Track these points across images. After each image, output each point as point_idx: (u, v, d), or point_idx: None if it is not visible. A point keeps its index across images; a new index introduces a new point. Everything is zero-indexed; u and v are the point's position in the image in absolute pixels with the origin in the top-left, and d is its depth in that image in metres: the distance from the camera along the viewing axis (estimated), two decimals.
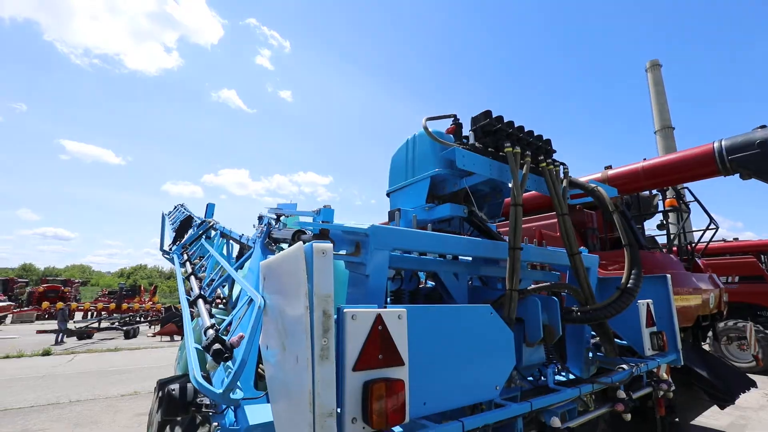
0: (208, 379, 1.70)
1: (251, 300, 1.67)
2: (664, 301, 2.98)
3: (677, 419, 5.44)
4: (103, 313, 22.27)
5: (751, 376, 5.96)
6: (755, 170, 4.87)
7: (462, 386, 1.54)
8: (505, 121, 2.50)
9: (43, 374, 9.80)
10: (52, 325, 18.90)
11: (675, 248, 7.39)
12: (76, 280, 40.57)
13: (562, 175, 2.66)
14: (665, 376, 2.66)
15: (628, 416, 2.14)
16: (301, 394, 1.07)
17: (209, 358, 1.63)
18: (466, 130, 2.54)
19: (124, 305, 23.38)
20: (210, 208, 5.93)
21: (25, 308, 26.60)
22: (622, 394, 2.16)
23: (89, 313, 23.66)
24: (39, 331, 17.58)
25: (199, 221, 5.61)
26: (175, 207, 8.30)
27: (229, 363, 1.61)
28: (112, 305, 23.59)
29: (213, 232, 4.85)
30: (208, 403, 1.66)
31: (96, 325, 18.38)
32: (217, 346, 1.58)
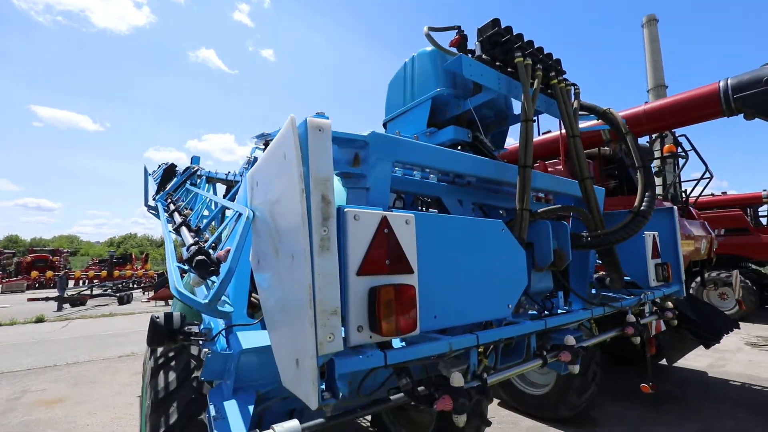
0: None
1: (239, 215, 1.50)
2: (670, 233, 2.91)
3: (664, 360, 5.64)
4: (94, 281, 22.14)
5: None
6: (760, 109, 4.72)
7: (474, 302, 1.43)
8: (515, 33, 2.26)
9: (37, 340, 9.74)
10: (43, 293, 18.76)
11: (670, 198, 7.38)
12: (65, 250, 40.08)
13: (573, 97, 2.46)
14: (671, 304, 2.63)
15: (638, 339, 2.10)
16: (299, 293, 0.92)
17: (193, 275, 1.48)
18: (472, 44, 2.29)
19: (116, 273, 23.26)
20: (195, 160, 5.66)
21: (14, 278, 26.34)
22: (631, 318, 2.11)
23: (81, 281, 23.53)
24: (30, 299, 17.45)
25: (183, 168, 5.36)
26: (159, 166, 7.98)
27: (216, 280, 1.47)
28: (104, 273, 23.45)
29: (198, 180, 4.61)
30: (198, 331, 1.54)
31: (88, 292, 18.27)
32: (201, 257, 1.43)
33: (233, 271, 1.31)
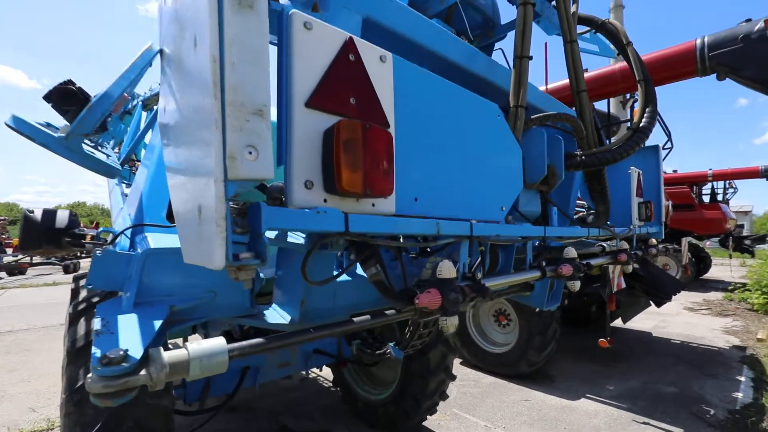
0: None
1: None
2: (654, 172, 2.77)
3: (620, 320, 5.83)
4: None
5: None
6: (733, 67, 4.70)
7: (463, 194, 1.11)
8: None
9: None
10: None
11: None
12: (2, 217, 36.39)
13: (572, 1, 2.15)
14: (654, 241, 2.50)
15: (630, 268, 1.94)
16: (201, 79, 0.54)
17: (64, 122, 1.05)
18: None
19: None
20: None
21: None
22: (624, 245, 1.92)
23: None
24: None
25: None
26: None
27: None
28: None
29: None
30: (93, 235, 1.13)
31: (28, 259, 16.61)
32: (67, 87, 1.00)
33: (112, 95, 0.88)
